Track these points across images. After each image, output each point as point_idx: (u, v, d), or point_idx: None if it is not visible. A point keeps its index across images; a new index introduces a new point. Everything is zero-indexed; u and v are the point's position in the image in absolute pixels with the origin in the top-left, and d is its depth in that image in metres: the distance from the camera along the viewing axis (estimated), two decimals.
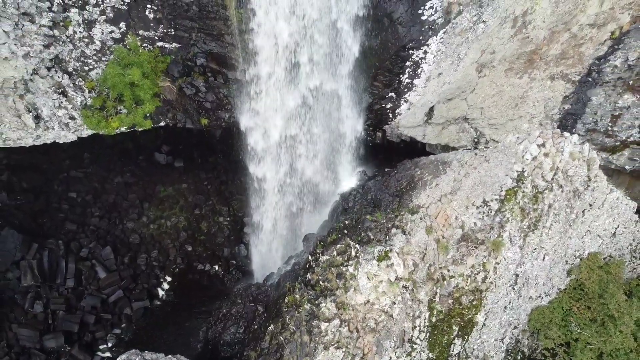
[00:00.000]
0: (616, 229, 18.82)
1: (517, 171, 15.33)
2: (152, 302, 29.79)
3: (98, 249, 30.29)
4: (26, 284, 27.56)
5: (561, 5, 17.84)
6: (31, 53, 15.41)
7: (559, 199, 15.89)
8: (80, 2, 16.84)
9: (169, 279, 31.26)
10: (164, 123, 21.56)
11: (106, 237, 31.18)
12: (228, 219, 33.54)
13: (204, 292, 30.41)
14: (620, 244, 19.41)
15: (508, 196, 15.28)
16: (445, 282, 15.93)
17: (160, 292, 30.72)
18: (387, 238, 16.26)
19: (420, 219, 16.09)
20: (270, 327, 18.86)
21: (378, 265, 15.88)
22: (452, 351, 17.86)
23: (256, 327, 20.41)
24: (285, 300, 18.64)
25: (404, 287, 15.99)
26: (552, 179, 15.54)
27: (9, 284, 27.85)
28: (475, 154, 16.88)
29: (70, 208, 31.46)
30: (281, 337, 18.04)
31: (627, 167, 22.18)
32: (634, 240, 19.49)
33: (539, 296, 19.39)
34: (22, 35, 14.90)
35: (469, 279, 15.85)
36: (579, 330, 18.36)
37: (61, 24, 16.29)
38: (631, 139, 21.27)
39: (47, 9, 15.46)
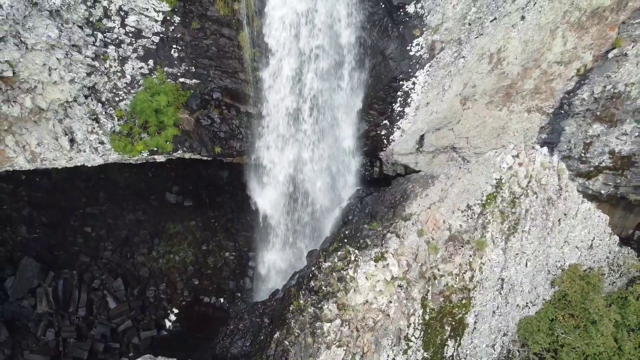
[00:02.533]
0: (592, 240, 20.63)
1: (495, 179, 17.47)
2: (159, 332, 30.83)
3: (109, 280, 31.69)
4: (41, 311, 28.80)
5: (530, 44, 20.68)
6: (75, 79, 17.99)
7: (535, 204, 17.91)
8: (117, 40, 19.69)
9: (176, 310, 32.42)
10: (182, 151, 23.88)
11: (117, 270, 32.65)
12: (234, 253, 35.13)
13: (210, 323, 31.49)
14: (597, 256, 21.13)
15: (489, 200, 17.32)
16: (436, 281, 17.59)
17: (168, 323, 31.79)
18: (382, 242, 18.09)
19: (412, 224, 18.02)
20: (275, 335, 20.17)
21: (375, 265, 17.59)
22: (446, 353, 19.14)
23: (262, 337, 21.65)
24: (290, 308, 20.11)
25: (399, 286, 17.63)
26: (527, 185, 17.63)
27: (23, 311, 29.07)
28: (460, 168, 19.07)
29: (85, 242, 33.15)
30: (286, 342, 19.34)
31: (602, 191, 24.36)
32: (610, 253, 21.23)
33: (526, 305, 20.87)
34: (70, 64, 17.53)
35: (458, 277, 17.53)
36: (564, 335, 19.71)
37: (101, 57, 19.05)
38: (603, 164, 23.59)
39: (92, 43, 18.23)
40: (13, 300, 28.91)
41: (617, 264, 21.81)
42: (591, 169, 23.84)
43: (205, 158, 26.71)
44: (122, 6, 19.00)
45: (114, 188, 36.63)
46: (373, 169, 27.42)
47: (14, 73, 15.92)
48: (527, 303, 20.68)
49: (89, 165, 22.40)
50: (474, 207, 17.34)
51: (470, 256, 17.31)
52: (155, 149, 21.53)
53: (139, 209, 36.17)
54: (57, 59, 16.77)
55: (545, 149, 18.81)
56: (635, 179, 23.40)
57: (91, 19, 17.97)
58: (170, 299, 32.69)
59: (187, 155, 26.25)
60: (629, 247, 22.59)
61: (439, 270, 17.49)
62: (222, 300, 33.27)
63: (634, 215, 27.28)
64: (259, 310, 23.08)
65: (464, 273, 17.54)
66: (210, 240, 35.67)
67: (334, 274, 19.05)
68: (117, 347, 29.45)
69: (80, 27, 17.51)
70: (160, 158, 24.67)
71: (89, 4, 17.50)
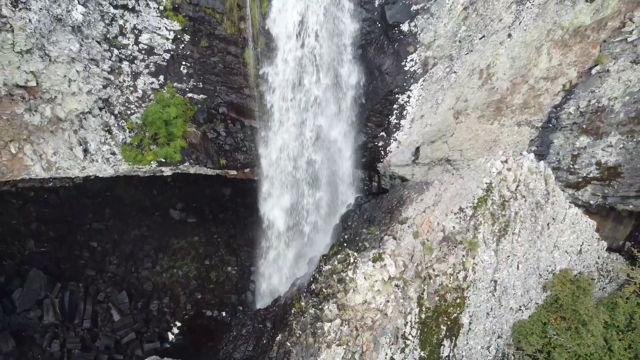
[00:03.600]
0: (581, 246, 21.56)
1: (486, 183, 18.53)
2: (162, 344, 31.35)
3: (114, 293, 32.40)
4: (47, 322, 29.46)
5: (517, 60, 22.05)
6: (92, 90, 19.26)
7: (524, 207, 18.92)
8: (131, 56, 21.06)
9: (179, 323, 32.97)
10: (188, 163, 24.99)
11: (122, 283, 33.37)
12: (236, 268, 35.89)
13: (212, 335, 32.03)
14: (587, 261, 22.02)
15: (479, 203, 18.34)
16: (431, 280, 18.46)
17: (170, 336, 32.31)
18: (380, 244, 19.03)
19: (408, 227, 18.99)
20: (277, 337, 20.88)
21: (373, 266, 18.48)
22: (442, 353, 19.83)
23: (265, 341, 22.35)
24: (292, 311, 20.88)
25: (396, 285, 18.48)
26: (516, 189, 18.68)
27: (30, 322, 29.70)
28: (452, 174, 20.16)
29: (90, 256, 33.99)
30: (288, 343, 20.05)
31: (591, 202, 25.39)
32: (599, 258, 22.12)
33: (519, 309, 21.65)
34: (88, 76, 18.82)
35: (452, 277, 18.40)
36: (556, 337, 20.43)
37: (116, 71, 20.37)
38: (591, 175, 24.71)
39: (108, 58, 19.58)
40: (20, 312, 29.59)
41: (606, 270, 22.67)
42: (580, 179, 24.93)
43: (210, 173, 27.91)
44: (137, 25, 20.43)
45: (120, 205, 37.68)
46: (372, 183, 28.51)
47: (37, 83, 17.19)
48: (520, 306, 21.46)
49: (100, 176, 23.45)
50: (466, 210, 18.36)
51: (464, 256, 18.23)
52: (164, 159, 22.61)
53: (144, 225, 37.11)
54: (77, 71, 18.07)
55: (532, 155, 19.96)
56: (622, 189, 24.47)
57: (108, 36, 19.36)
58: (174, 312, 33.28)
59: (192, 170, 27.41)
60: (617, 253, 23.48)
61: (434, 270, 18.38)
62: (224, 313, 33.85)
63: (623, 227, 28.25)
64: (261, 317, 23.80)
65: (458, 273, 18.42)
66: (213, 255, 36.47)
67: (334, 276, 19.89)
68: (121, 359, 29.95)
69: (99, 42, 18.88)
70: (167, 171, 25.81)
71: (107, 21, 18.92)
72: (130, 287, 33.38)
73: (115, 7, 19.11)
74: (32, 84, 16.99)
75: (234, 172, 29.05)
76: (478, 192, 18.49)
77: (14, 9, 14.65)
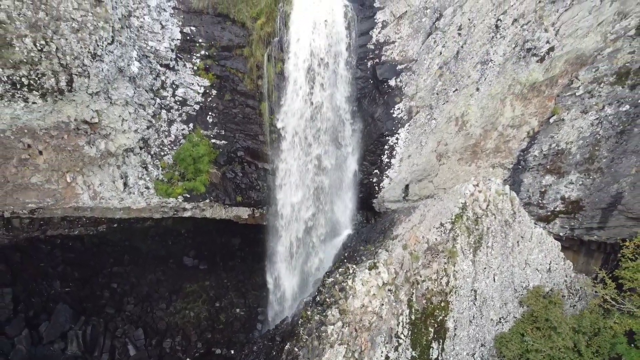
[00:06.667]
0: (550, 264, 24.88)
1: (461, 202, 22.30)
2: None
3: (131, 330, 34.92)
4: (70, 352, 31.80)
5: (486, 110, 26.65)
6: (138, 130, 23.62)
7: (494, 223, 22.54)
8: (168, 106, 25.70)
9: None
10: (209, 200, 28.85)
11: (138, 322, 35.93)
12: (244, 309, 38.48)
13: None
14: (556, 279, 25.20)
15: (456, 219, 22.00)
16: (419, 285, 21.68)
17: None
18: (375, 256, 22.46)
19: (399, 241, 22.53)
20: (286, 347, 23.60)
21: (369, 273, 21.77)
22: (432, 355, 22.54)
23: (274, 353, 24.93)
24: (299, 322, 23.76)
25: (389, 290, 21.67)
26: (487, 208, 22.41)
27: (53, 353, 32.02)
28: (434, 198, 23.99)
29: (110, 296, 36.82)
30: (296, 349, 22.81)
31: (561, 234, 29.00)
32: (567, 276, 25.32)
33: (499, 321, 24.53)
34: (137, 117, 23.29)
35: (436, 282, 21.65)
36: (532, 343, 23.21)
37: (157, 116, 24.90)
38: (557, 209, 28.51)
39: (153, 104, 24.19)
40: (46, 343, 32.01)
41: (574, 288, 25.72)
42: (548, 213, 28.69)
43: (224, 216, 31.78)
44: (175, 81, 25.29)
45: (137, 253, 41.06)
46: (369, 221, 32.22)
47: (98, 120, 21.56)
48: (500, 318, 24.35)
49: (134, 208, 27.22)
50: (445, 224, 21.98)
51: (445, 263, 21.58)
52: (191, 190, 26.53)
53: (159, 270, 40.22)
54: (129, 112, 22.52)
55: (499, 180, 23.92)
56: (585, 221, 28.18)
57: (153, 87, 24.11)
58: (185, 350, 35.51)
59: (208, 213, 31.28)
60: (584, 274, 26.63)
61: (420, 275, 21.64)
62: (232, 352, 36.01)
63: (594, 260, 31.58)
64: (271, 334, 26.48)
65: (441, 278, 21.67)
66: (223, 298, 39.21)
67: (336, 286, 23.06)
68: None
69: (146, 91, 23.56)
70: (188, 209, 29.69)
71: (154, 75, 23.75)
72: (145, 325, 35.89)
73: (161, 65, 24.05)
74: (95, 120, 21.34)
75: (245, 217, 32.95)
76: (455, 210, 22.23)
77: (92, 60, 19.32)
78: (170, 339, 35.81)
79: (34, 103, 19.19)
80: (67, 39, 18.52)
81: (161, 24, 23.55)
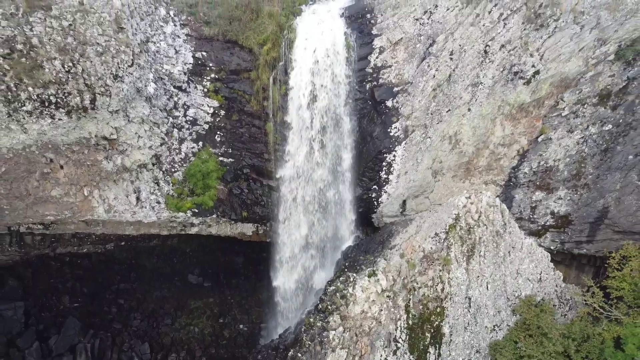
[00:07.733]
0: (540, 274, 26.16)
1: (454, 214, 23.77)
2: None
3: (138, 344, 35.88)
4: None
5: (477, 129, 28.34)
6: (152, 146, 25.30)
7: (486, 233, 23.95)
8: (180, 125, 27.44)
9: None
10: (216, 215, 30.30)
11: (144, 337, 36.91)
12: (248, 325, 39.45)
13: None
14: (547, 289, 26.45)
15: (450, 229, 23.42)
16: (415, 292, 22.96)
17: None
18: (374, 264, 23.80)
19: (396, 250, 23.91)
20: (290, 353, 24.70)
21: (369, 280, 23.08)
22: (429, 359, 23.64)
23: None
24: (302, 329, 24.91)
25: (387, 296, 22.94)
26: (478, 219, 23.86)
27: None
28: (429, 211, 25.44)
29: (118, 311, 37.89)
30: (299, 354, 23.92)
31: (552, 247, 30.30)
32: (557, 286, 26.57)
33: (493, 329, 25.68)
34: (151, 135, 25.00)
35: (432, 288, 22.94)
36: (525, 349, 24.33)
37: (169, 134, 26.62)
38: (548, 223, 29.87)
39: (166, 123, 25.94)
40: (55, 355, 32.95)
41: (565, 298, 26.93)
42: (539, 227, 30.05)
43: (229, 233, 33.23)
44: (186, 102, 27.10)
45: (144, 270, 42.26)
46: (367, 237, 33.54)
47: (117, 137, 23.26)
48: (494, 326, 25.51)
49: (145, 222, 28.66)
50: (440, 234, 23.39)
51: (440, 270, 22.90)
52: (200, 204, 28.01)
53: (165, 287, 41.35)
54: (145, 130, 24.23)
55: (489, 192, 25.43)
56: (574, 234, 29.52)
57: (167, 107, 25.89)
58: None
59: (214, 230, 32.74)
60: (573, 284, 27.86)
61: (417, 282, 22.94)
62: None
63: (585, 274, 32.76)
64: (275, 344, 27.55)
65: (437, 285, 22.96)
66: (227, 314, 40.20)
67: (337, 294, 24.32)
68: None
69: (161, 110, 25.34)
70: (195, 224, 31.15)
71: (167, 96, 25.57)
72: (151, 340, 36.85)
73: (174, 87, 25.90)
74: (114, 137, 23.03)
75: (249, 233, 34.37)
76: (449, 221, 23.69)
77: (114, 81, 21.14)
78: (175, 353, 36.68)
79: (59, 120, 20.91)
80: (92, 61, 20.38)
81: (175, 49, 25.51)
